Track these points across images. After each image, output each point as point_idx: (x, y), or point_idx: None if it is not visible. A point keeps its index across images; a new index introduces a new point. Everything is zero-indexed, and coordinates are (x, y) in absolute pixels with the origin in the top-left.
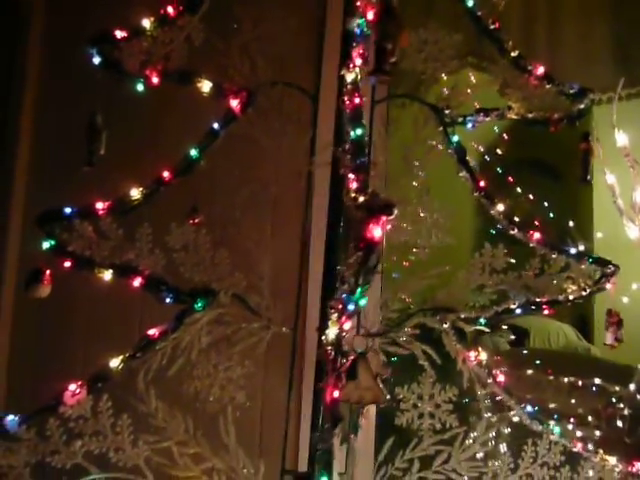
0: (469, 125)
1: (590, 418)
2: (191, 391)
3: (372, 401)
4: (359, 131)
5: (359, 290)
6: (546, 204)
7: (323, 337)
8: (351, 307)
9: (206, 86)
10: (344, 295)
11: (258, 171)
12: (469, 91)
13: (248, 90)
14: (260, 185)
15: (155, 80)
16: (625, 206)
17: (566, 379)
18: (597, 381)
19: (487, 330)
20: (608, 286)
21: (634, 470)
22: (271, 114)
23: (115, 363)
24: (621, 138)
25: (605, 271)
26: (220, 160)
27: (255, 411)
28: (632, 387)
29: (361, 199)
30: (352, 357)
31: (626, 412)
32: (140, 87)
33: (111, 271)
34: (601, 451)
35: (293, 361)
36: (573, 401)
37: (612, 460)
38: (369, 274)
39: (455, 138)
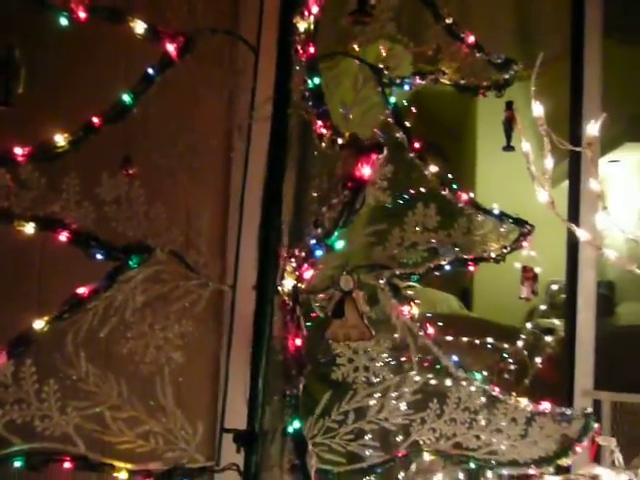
0: (406, 87)
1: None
2: (125, 352)
3: (358, 338)
4: (316, 80)
5: (336, 232)
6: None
7: (279, 288)
8: (319, 253)
9: (140, 27)
10: (312, 241)
11: (196, 122)
12: (405, 54)
13: (186, 35)
14: (198, 137)
15: (82, 15)
16: (537, 173)
17: (465, 339)
18: (490, 340)
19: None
20: (525, 244)
21: (541, 409)
22: (211, 63)
23: (39, 325)
24: (537, 109)
25: (522, 231)
26: (156, 108)
27: (193, 371)
28: (520, 344)
29: (340, 141)
30: (338, 296)
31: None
32: (64, 22)
33: (33, 224)
34: (514, 394)
35: (232, 319)
36: (471, 358)
37: (524, 401)
38: (352, 215)
39: (392, 99)
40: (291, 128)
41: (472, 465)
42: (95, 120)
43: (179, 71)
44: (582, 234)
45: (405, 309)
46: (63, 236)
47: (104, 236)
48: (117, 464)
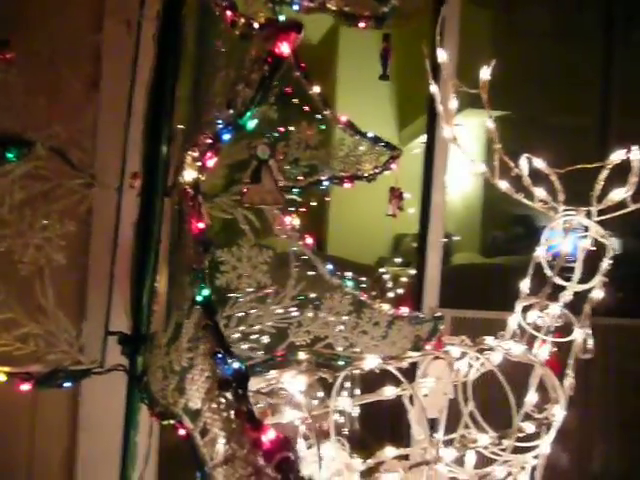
0: (295, 7)
1: None
2: (1, 251)
3: (273, 203)
4: None
5: (250, 112)
6: None
7: (180, 178)
8: (227, 137)
9: None
10: (220, 125)
11: (79, 12)
12: None
13: None
14: (84, 30)
15: None
16: (443, 113)
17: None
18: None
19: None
20: (393, 166)
21: (400, 313)
22: None
23: None
24: (441, 55)
25: (392, 154)
26: None
27: (77, 272)
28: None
29: (256, 25)
30: (256, 163)
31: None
32: None
33: None
34: (378, 300)
35: (118, 221)
36: None
37: (386, 307)
38: (268, 92)
39: (282, 17)
40: (187, 28)
41: (340, 363)
42: None
43: None
44: (480, 167)
45: (287, 219)
46: None
47: None
48: None
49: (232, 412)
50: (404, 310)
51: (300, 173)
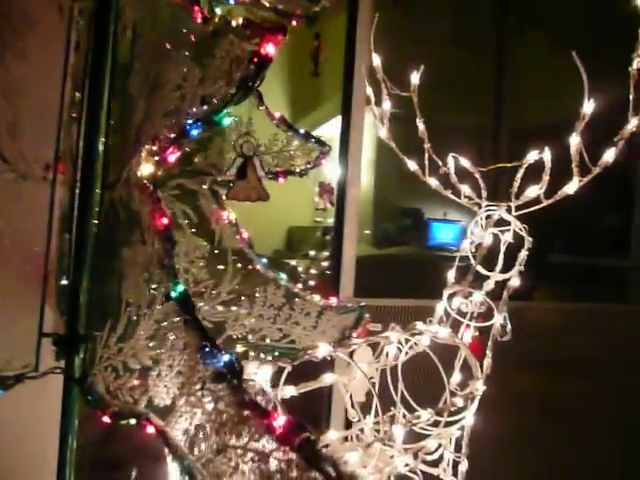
0: (231, 1)
1: None
2: None
3: (257, 198)
4: None
5: (226, 109)
6: None
7: (138, 173)
8: (195, 132)
9: None
10: (188, 122)
11: None
12: None
13: None
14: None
15: None
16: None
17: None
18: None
19: None
20: (324, 161)
21: (329, 304)
22: None
23: None
24: (376, 59)
25: (322, 150)
26: None
27: (8, 273)
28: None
29: (234, 23)
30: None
31: None
32: None
33: None
34: (310, 292)
35: (51, 212)
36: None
37: (317, 297)
38: (249, 91)
39: (218, 10)
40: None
41: (276, 354)
42: None
43: None
44: (412, 165)
45: (224, 214)
46: None
47: None
48: None
49: (221, 404)
50: (333, 300)
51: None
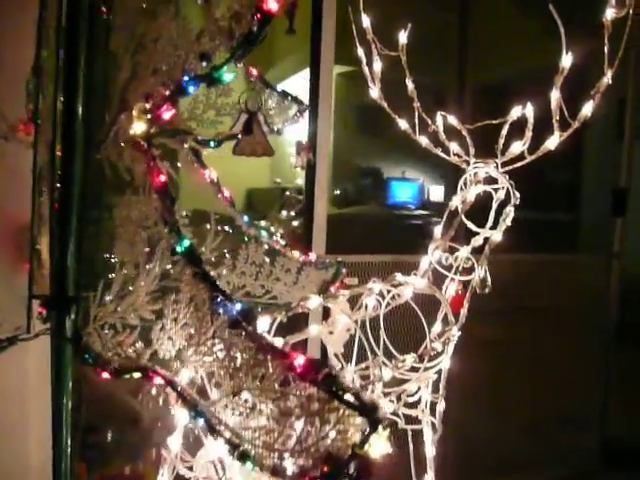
0: None
1: None
2: None
3: (263, 153)
4: None
5: (227, 65)
6: None
7: (131, 131)
8: (192, 89)
9: None
10: (185, 79)
11: None
12: None
13: None
14: None
15: None
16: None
17: None
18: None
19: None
20: (300, 119)
21: (308, 259)
22: None
23: None
24: (365, 20)
25: (300, 108)
26: None
27: None
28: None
29: None
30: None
31: None
32: None
33: None
34: (289, 247)
35: (35, 174)
36: None
37: (296, 254)
38: (252, 46)
39: None
40: None
41: (259, 309)
42: None
43: None
44: (403, 124)
45: (206, 173)
46: None
47: None
48: None
49: (235, 350)
50: (312, 256)
51: (217, 126)
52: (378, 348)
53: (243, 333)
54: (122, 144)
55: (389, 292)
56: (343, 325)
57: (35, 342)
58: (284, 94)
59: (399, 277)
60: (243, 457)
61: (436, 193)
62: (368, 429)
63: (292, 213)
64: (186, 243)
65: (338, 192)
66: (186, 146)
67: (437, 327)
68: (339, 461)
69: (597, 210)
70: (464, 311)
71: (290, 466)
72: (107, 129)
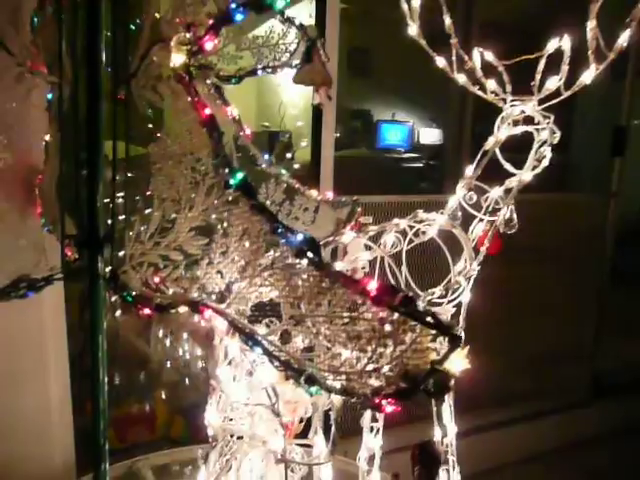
0: None
1: None
2: None
3: (322, 83)
4: None
5: None
6: None
7: (171, 64)
8: (239, 17)
9: None
10: (232, 6)
11: None
12: None
13: None
14: None
15: None
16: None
17: None
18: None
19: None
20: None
21: (325, 198)
22: None
23: None
24: None
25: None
26: None
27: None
28: None
29: None
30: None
31: None
32: None
33: None
34: (306, 187)
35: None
36: None
37: (314, 193)
38: None
39: None
40: None
41: None
42: None
43: None
44: (440, 61)
45: (229, 109)
46: None
47: None
48: None
49: (296, 279)
50: (329, 195)
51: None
52: (402, 281)
53: (306, 262)
54: (157, 78)
55: (411, 228)
56: (362, 262)
57: (50, 294)
58: (302, 27)
59: (421, 214)
60: (310, 380)
61: (427, 135)
62: (448, 347)
63: (288, 156)
64: (240, 175)
65: None
66: (209, 82)
67: (461, 264)
68: (417, 378)
69: (595, 149)
70: (486, 247)
71: (360, 387)
72: (137, 63)
